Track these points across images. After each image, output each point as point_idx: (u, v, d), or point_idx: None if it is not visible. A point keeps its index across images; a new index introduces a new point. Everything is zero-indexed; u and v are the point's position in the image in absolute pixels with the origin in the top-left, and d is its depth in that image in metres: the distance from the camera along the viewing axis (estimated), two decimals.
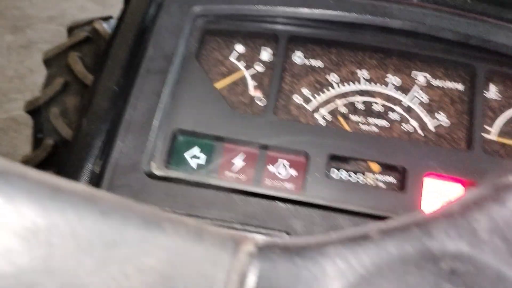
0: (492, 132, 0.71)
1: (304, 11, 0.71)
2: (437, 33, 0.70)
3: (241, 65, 0.75)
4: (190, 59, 0.73)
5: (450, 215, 0.29)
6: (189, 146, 0.70)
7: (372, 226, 0.30)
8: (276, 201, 0.63)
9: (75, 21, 1.01)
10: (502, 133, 0.71)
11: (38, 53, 1.70)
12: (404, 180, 0.67)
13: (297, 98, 0.74)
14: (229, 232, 0.29)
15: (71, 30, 0.99)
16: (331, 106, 0.73)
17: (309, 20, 0.73)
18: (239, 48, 0.76)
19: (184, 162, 0.70)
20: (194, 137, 0.70)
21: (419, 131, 0.71)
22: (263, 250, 0.28)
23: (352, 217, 0.63)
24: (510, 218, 0.28)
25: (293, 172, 0.69)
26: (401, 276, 0.27)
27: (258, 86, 0.74)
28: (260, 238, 0.29)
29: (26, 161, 0.86)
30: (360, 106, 0.73)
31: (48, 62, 0.94)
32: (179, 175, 0.67)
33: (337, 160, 0.69)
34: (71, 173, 0.69)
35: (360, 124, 0.72)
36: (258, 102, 0.73)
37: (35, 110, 0.88)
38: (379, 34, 0.73)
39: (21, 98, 2.05)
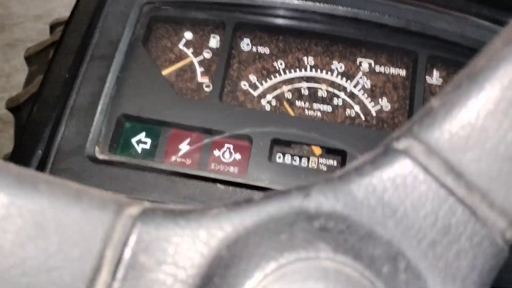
0: None
1: None
2: (379, 20, 0.71)
3: (189, 52, 0.76)
4: (137, 45, 0.73)
5: (331, 179, 0.30)
6: (134, 131, 0.71)
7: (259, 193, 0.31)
8: (217, 183, 0.64)
9: (57, 18, 1.01)
10: None
11: None
12: (344, 163, 0.68)
13: (244, 85, 0.75)
14: (113, 196, 0.30)
15: (53, 27, 0.98)
16: (277, 92, 0.74)
17: (255, 7, 0.74)
18: (188, 35, 0.77)
19: (130, 146, 0.70)
20: (139, 122, 0.71)
21: (362, 116, 0.73)
22: (147, 213, 0.29)
23: None
24: (386, 182, 0.30)
25: (238, 156, 0.70)
26: (275, 234, 0.28)
27: (206, 73, 0.75)
28: (147, 203, 0.31)
29: (8, 158, 0.85)
30: (305, 92, 0.74)
31: (29, 59, 0.93)
32: (122, 159, 0.68)
33: (280, 144, 0.70)
34: (23, 158, 0.69)
35: (304, 109, 0.73)
36: (206, 89, 0.74)
37: (16, 108, 0.87)
38: (324, 21, 0.75)
39: (6, 97, 2.02)
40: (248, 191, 0.64)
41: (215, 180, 0.65)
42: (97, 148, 0.68)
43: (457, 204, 0.28)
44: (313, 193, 0.30)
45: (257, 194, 0.32)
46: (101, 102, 0.69)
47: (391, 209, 0.29)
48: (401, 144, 0.30)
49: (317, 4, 0.71)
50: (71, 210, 0.27)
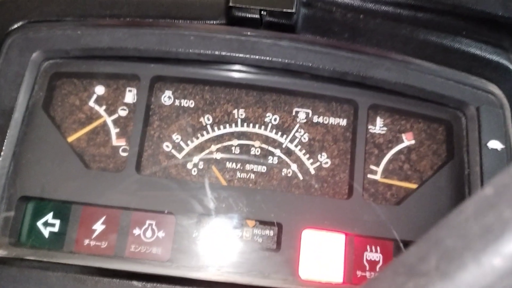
0: (378, 172, 0.67)
1: (164, 50, 0.63)
2: (313, 70, 0.63)
3: (101, 110, 0.66)
4: (36, 111, 0.63)
5: None
6: (40, 213, 0.61)
7: None
8: (133, 280, 0.56)
9: None
10: (387, 171, 0.67)
11: None
12: (280, 238, 0.61)
13: (166, 146, 0.66)
14: None
15: None
16: (204, 153, 0.66)
17: (173, 60, 0.65)
18: (99, 89, 0.67)
19: (35, 232, 0.61)
20: (43, 203, 0.61)
21: (299, 175, 0.66)
22: None
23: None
24: None
25: (161, 234, 0.62)
26: None
27: (122, 134, 0.66)
28: None
29: None
30: (237, 151, 0.66)
31: None
32: (25, 253, 0.59)
33: (209, 218, 0.62)
34: None
35: (236, 172, 0.65)
36: (122, 153, 0.65)
37: None
38: (253, 71, 0.66)
39: None
40: (169, 287, 0.56)
41: (130, 276, 0.57)
42: None
43: None
44: None
45: None
46: None
47: None
48: None
49: (242, 55, 0.62)
50: None
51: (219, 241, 0.62)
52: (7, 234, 0.59)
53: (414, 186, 0.66)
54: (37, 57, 0.62)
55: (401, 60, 0.64)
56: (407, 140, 0.68)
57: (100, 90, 0.67)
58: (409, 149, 0.68)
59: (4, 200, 0.59)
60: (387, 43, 0.72)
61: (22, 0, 0.70)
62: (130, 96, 0.67)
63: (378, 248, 0.63)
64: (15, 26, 0.67)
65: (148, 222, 0.62)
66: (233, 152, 0.66)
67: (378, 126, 0.68)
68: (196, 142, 0.66)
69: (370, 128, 0.68)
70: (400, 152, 0.67)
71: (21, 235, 0.60)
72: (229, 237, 0.62)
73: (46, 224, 0.61)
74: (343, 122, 0.68)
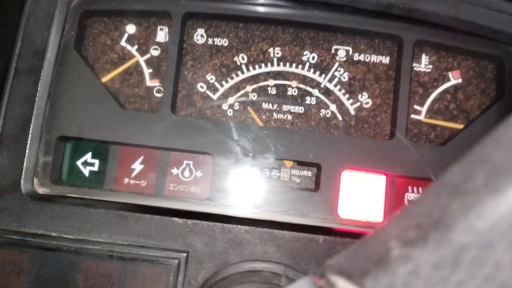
0: (422, 112, 0.63)
1: None
2: (355, 3, 0.59)
3: (133, 49, 0.64)
4: (68, 51, 0.61)
5: None
6: (79, 153, 0.62)
7: None
8: (174, 217, 0.57)
9: None
10: (432, 111, 0.63)
11: None
12: (319, 178, 0.60)
13: (201, 87, 0.64)
14: None
15: None
16: (240, 94, 0.64)
17: None
18: (130, 28, 0.65)
19: (75, 171, 0.61)
20: (82, 143, 0.61)
21: (339, 116, 0.63)
22: None
23: (258, 228, 0.57)
24: None
25: (199, 174, 0.61)
26: None
27: (155, 74, 0.64)
28: None
29: None
30: (273, 91, 0.64)
31: None
32: (67, 190, 0.59)
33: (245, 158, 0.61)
34: None
35: (273, 113, 0.63)
36: (156, 94, 0.64)
37: None
38: (290, 5, 0.62)
39: None
40: (209, 223, 0.56)
41: (171, 213, 0.57)
42: (36, 181, 0.59)
43: None
44: None
45: None
46: (32, 125, 0.59)
47: None
48: None
49: None
50: None
51: (257, 181, 0.61)
52: (48, 174, 0.59)
53: (460, 126, 0.63)
54: None
55: None
56: (454, 78, 0.64)
57: (131, 29, 0.65)
58: (455, 88, 0.64)
59: (43, 140, 0.60)
60: None
61: None
62: (162, 35, 0.65)
63: (420, 189, 0.61)
64: None
65: (185, 162, 0.61)
66: (269, 92, 0.64)
67: (424, 64, 0.64)
68: (231, 82, 0.64)
69: (415, 66, 0.64)
70: (446, 91, 0.64)
71: (62, 174, 0.61)
72: (267, 177, 0.61)
73: (85, 163, 0.61)
74: (386, 59, 0.64)
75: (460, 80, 0.64)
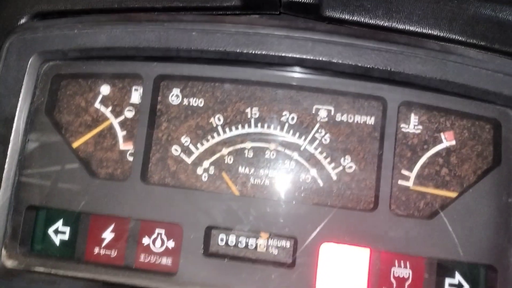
0: (411, 178, 0.58)
1: (165, 47, 0.57)
2: (330, 67, 0.55)
3: (107, 111, 0.62)
4: (39, 116, 0.60)
5: None
6: (50, 220, 0.60)
7: None
8: None
9: None
10: (421, 177, 0.58)
11: None
12: (295, 253, 0.56)
13: (175, 150, 0.61)
14: None
15: None
16: (215, 157, 0.61)
17: (177, 56, 0.59)
18: (105, 89, 0.63)
19: (46, 239, 0.60)
20: (52, 211, 0.60)
21: (319, 182, 0.59)
22: None
23: None
24: None
25: (171, 244, 0.58)
26: None
27: (129, 137, 0.62)
28: None
29: None
30: (250, 154, 0.60)
31: None
32: (35, 263, 0.58)
33: (219, 231, 0.58)
34: None
35: (249, 178, 0.60)
36: (129, 158, 0.61)
37: None
38: (266, 68, 0.59)
39: None
40: None
41: None
42: (3, 252, 0.58)
43: None
44: None
45: None
46: (0, 195, 0.58)
47: None
48: None
49: (250, 51, 0.55)
50: None
51: (231, 254, 0.58)
52: (17, 245, 0.58)
53: (453, 194, 0.57)
54: (35, 60, 0.59)
55: (439, 50, 0.54)
56: (447, 140, 0.59)
57: (105, 90, 0.63)
58: (448, 150, 0.58)
59: (12, 210, 0.58)
60: (429, 21, 0.61)
61: None
62: (136, 95, 0.63)
63: (408, 263, 0.56)
64: (21, 21, 0.64)
65: (157, 231, 0.59)
66: (246, 156, 0.60)
67: (412, 125, 0.59)
68: (206, 145, 0.61)
69: (403, 127, 0.59)
70: (437, 154, 0.58)
71: (32, 243, 0.60)
72: (242, 248, 0.58)
73: (56, 231, 0.60)
74: (371, 120, 0.60)
75: (453, 142, 0.59)
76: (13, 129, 0.58)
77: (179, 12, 0.60)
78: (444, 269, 0.56)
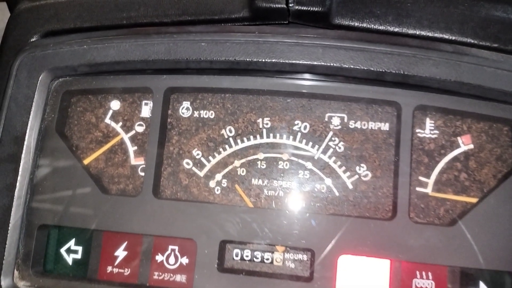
0: (429, 184, 0.57)
1: (174, 59, 0.56)
2: (342, 72, 0.54)
3: (118, 126, 0.62)
4: (50, 133, 0.60)
5: None
6: (62, 240, 0.59)
7: None
8: None
9: None
10: (440, 183, 0.56)
11: None
12: (312, 266, 0.54)
13: (187, 163, 0.60)
14: None
15: None
16: (228, 169, 0.60)
17: (187, 68, 0.58)
18: (115, 104, 0.63)
19: (59, 259, 0.59)
20: (64, 230, 0.59)
21: (335, 191, 0.58)
22: None
23: None
24: None
25: (185, 260, 0.57)
26: None
27: (140, 152, 0.61)
28: None
29: None
30: (263, 166, 0.59)
31: None
32: (48, 284, 0.57)
33: (233, 245, 0.57)
34: None
35: (263, 190, 0.59)
36: (141, 173, 0.61)
37: None
38: (277, 75, 0.58)
39: None
40: None
41: None
42: (16, 274, 0.57)
43: None
44: None
45: None
46: (12, 214, 0.57)
47: None
48: None
49: (260, 59, 0.54)
50: None
51: (247, 269, 0.56)
52: (29, 265, 0.57)
53: (473, 200, 0.55)
54: (45, 77, 0.59)
55: (453, 51, 0.53)
56: (464, 144, 0.57)
57: (115, 105, 0.63)
58: (466, 155, 0.57)
59: (23, 230, 0.58)
60: (440, 25, 0.60)
61: (39, 10, 0.66)
62: (147, 109, 0.62)
63: (430, 274, 0.54)
64: (31, 40, 0.64)
65: (170, 247, 0.58)
66: (258, 167, 0.59)
67: (428, 129, 0.58)
68: (218, 157, 0.60)
69: (418, 132, 0.58)
70: (455, 159, 0.57)
71: (44, 264, 0.59)
72: (257, 262, 0.56)
73: (69, 250, 0.59)
74: (385, 126, 0.58)
75: (471, 146, 0.57)
76: (24, 147, 0.58)
77: (187, 25, 0.59)
78: (467, 278, 0.54)
